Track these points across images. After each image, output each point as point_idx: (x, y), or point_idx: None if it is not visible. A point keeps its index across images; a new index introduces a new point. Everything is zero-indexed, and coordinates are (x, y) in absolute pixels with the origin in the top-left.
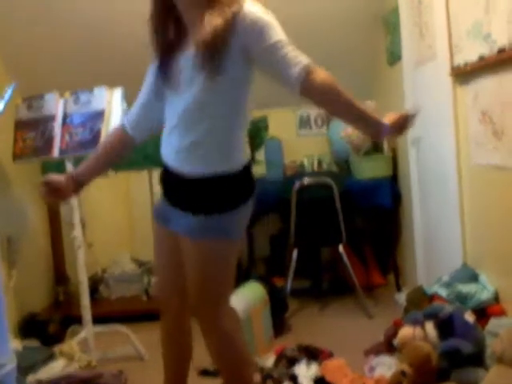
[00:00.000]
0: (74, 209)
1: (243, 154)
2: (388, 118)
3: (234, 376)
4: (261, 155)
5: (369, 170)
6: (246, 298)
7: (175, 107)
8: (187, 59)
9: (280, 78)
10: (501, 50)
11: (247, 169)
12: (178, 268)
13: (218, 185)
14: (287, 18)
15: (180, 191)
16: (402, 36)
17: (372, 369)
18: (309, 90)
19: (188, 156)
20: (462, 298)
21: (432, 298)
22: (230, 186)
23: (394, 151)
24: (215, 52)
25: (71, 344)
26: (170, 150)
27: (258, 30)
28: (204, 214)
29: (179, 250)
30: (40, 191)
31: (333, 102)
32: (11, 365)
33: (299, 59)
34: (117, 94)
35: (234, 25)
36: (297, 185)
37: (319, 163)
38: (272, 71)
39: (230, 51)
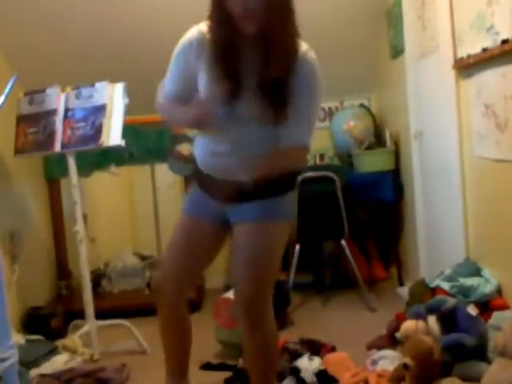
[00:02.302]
0: (76, 203)
1: None
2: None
3: (269, 371)
4: None
5: (371, 163)
6: None
7: (234, 133)
8: (253, 101)
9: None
10: (504, 42)
11: None
12: (198, 260)
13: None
14: None
15: (243, 191)
16: (405, 29)
17: (374, 362)
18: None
19: (248, 168)
20: (465, 291)
21: (434, 291)
22: (283, 174)
23: (396, 145)
24: (282, 107)
25: (74, 338)
26: (236, 169)
27: (311, 84)
28: (266, 198)
29: (211, 244)
30: None
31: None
32: (13, 359)
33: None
34: (118, 89)
35: (297, 72)
36: (299, 178)
37: (321, 157)
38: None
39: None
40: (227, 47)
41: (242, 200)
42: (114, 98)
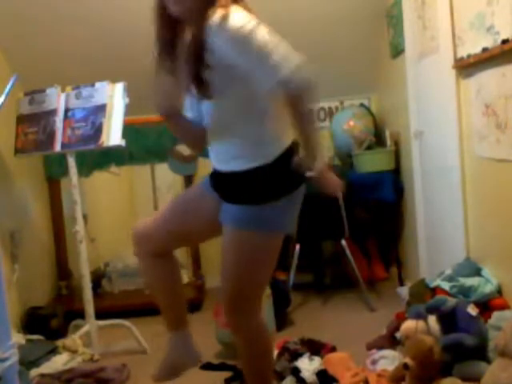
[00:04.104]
0: (76, 203)
1: (274, 146)
2: (320, 170)
3: (259, 375)
4: None
5: (371, 163)
6: None
7: (210, 113)
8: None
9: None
10: (504, 42)
11: (282, 160)
12: (185, 230)
13: (252, 177)
14: (291, 14)
15: (222, 183)
16: (405, 29)
17: (374, 362)
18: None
19: (222, 157)
20: (465, 291)
21: (434, 291)
22: (263, 178)
23: (396, 145)
24: (198, 79)
25: (74, 338)
26: (211, 150)
27: (238, 44)
28: (245, 204)
29: (206, 224)
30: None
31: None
32: (13, 359)
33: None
34: (118, 89)
35: (209, 42)
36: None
37: None
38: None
39: (214, 66)
40: (160, 30)
41: (222, 195)
42: (114, 97)
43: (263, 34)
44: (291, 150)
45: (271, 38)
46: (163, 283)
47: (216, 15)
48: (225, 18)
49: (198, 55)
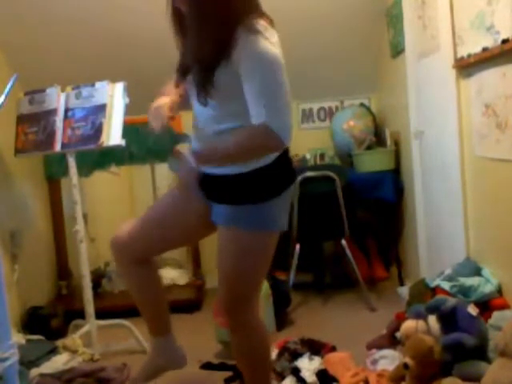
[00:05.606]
0: (76, 203)
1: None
2: None
3: (258, 374)
4: None
5: (371, 163)
6: None
7: (199, 111)
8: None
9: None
10: (504, 42)
11: (278, 162)
12: (169, 232)
13: (247, 178)
14: (291, 14)
15: (211, 185)
16: (405, 28)
17: (375, 362)
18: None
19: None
20: (465, 291)
21: (435, 291)
22: (258, 179)
23: (396, 144)
24: (208, 76)
25: (74, 338)
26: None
27: (254, 65)
28: (237, 204)
29: (192, 224)
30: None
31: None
32: (13, 359)
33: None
34: (118, 89)
35: (232, 47)
36: (299, 178)
37: (322, 156)
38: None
39: (227, 69)
40: (173, 25)
41: (209, 196)
42: (114, 97)
43: (279, 70)
44: (286, 152)
45: (282, 80)
46: (144, 292)
47: (249, 26)
48: (256, 33)
49: (219, 56)
